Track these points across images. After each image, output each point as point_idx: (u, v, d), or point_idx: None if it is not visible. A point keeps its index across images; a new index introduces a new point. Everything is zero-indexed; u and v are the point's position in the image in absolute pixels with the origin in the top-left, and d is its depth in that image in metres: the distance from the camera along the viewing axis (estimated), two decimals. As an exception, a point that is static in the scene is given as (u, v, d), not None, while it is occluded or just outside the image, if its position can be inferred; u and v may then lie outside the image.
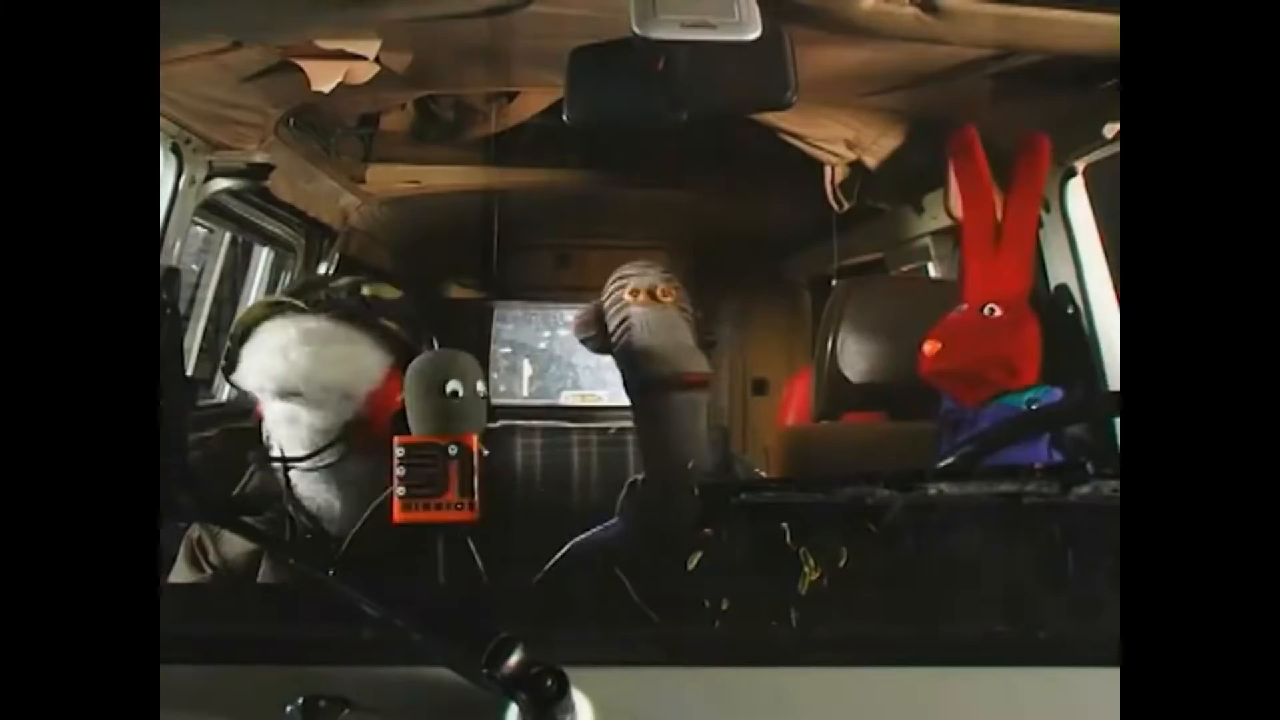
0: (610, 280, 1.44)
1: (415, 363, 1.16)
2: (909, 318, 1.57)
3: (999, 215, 1.53)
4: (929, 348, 1.45)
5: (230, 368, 1.28)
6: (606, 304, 1.40)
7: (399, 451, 1.04)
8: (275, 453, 1.26)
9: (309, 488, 1.25)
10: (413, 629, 0.78)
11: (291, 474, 1.25)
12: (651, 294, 1.39)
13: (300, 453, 1.24)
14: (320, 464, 1.24)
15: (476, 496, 1.04)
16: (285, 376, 1.23)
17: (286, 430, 1.25)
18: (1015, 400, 1.40)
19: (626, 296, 1.38)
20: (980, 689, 0.82)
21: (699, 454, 1.32)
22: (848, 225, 2.42)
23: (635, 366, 1.34)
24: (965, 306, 1.49)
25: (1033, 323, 1.48)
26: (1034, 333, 1.48)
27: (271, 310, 1.30)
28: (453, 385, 1.11)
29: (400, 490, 1.03)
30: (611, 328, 1.37)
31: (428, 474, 1.04)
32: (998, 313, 1.47)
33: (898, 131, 1.92)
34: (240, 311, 1.36)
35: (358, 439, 1.23)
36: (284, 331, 1.26)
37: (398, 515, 1.03)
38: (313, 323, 1.27)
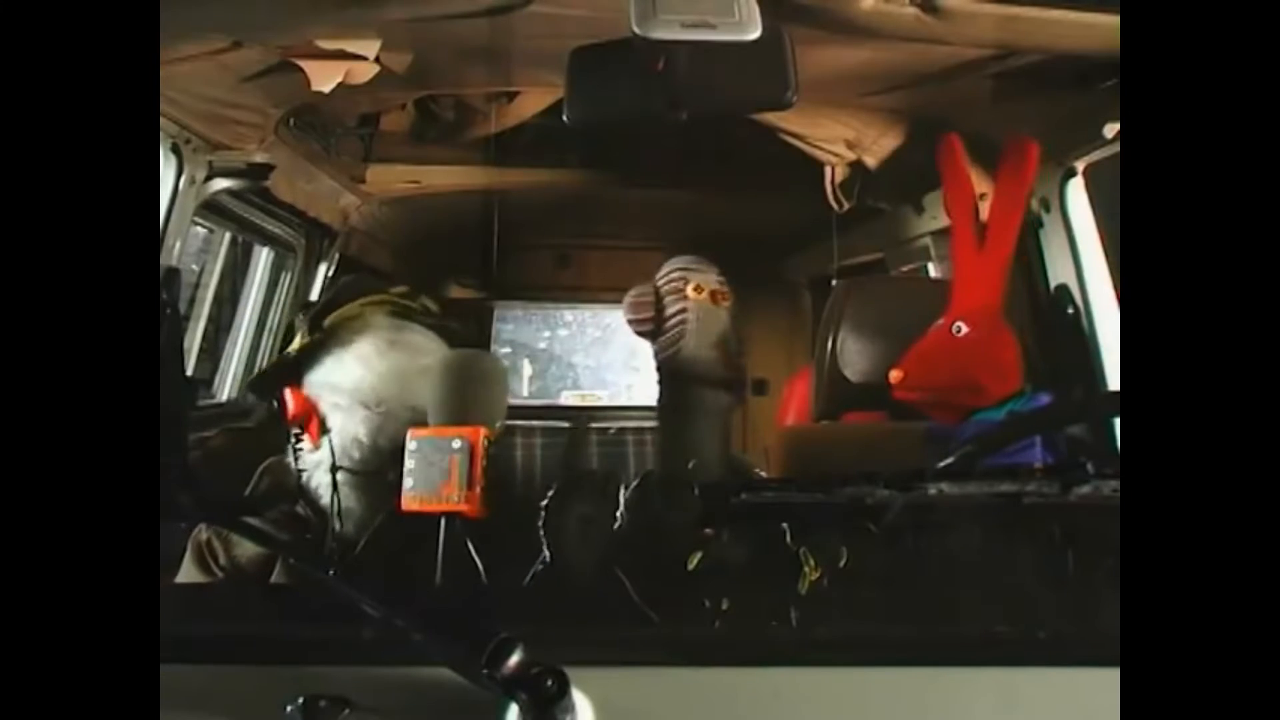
0: (668, 269, 1.43)
1: (446, 356, 1.16)
2: (909, 318, 1.57)
3: (983, 222, 1.54)
4: (894, 375, 1.49)
5: (306, 365, 1.26)
6: (664, 290, 1.40)
7: (410, 445, 1.04)
8: (320, 457, 1.24)
9: (324, 488, 1.25)
10: (413, 629, 0.78)
11: (306, 475, 1.25)
12: (714, 295, 1.40)
13: (354, 461, 1.23)
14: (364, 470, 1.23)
15: (476, 490, 1.03)
16: (373, 386, 1.22)
17: (350, 438, 1.23)
18: (992, 415, 1.40)
19: (690, 292, 1.38)
20: (980, 689, 0.82)
21: (717, 454, 1.32)
22: (848, 225, 2.42)
23: (680, 361, 1.34)
24: (942, 322, 1.51)
25: (1005, 335, 1.48)
26: (1007, 346, 1.48)
27: (365, 311, 1.29)
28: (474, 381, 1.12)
29: (408, 482, 1.03)
30: (668, 315, 1.37)
31: (432, 466, 1.03)
32: (964, 330, 1.47)
33: (898, 131, 1.91)
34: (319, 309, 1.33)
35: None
36: (377, 337, 1.25)
37: (404, 505, 1.03)
38: (404, 333, 1.27)
